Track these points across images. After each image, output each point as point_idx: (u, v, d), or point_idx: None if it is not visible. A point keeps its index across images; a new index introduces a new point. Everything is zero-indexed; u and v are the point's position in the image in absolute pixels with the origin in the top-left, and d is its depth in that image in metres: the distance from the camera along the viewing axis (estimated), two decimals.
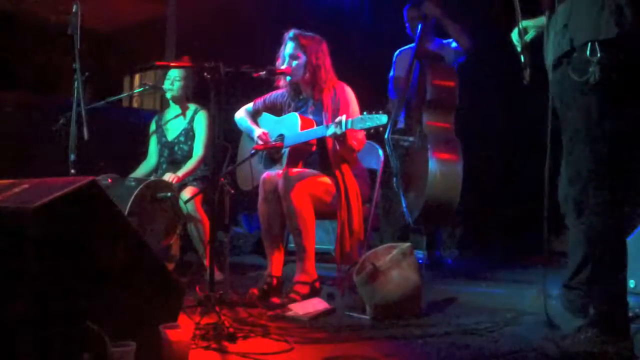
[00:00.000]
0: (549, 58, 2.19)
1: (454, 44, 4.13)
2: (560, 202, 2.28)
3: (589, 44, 1.98)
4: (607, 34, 1.98)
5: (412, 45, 4.25)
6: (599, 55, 1.96)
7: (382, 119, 2.75)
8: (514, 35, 2.36)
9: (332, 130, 2.90)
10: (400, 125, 4.04)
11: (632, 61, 2.00)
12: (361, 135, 3.09)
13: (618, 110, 2.03)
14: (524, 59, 2.27)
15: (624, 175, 2.06)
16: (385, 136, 3.83)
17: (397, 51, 4.41)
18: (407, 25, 4.28)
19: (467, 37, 4.02)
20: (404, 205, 3.91)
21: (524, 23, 2.32)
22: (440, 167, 3.69)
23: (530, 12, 2.36)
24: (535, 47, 2.34)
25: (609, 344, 1.99)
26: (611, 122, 2.02)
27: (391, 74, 4.38)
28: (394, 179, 3.99)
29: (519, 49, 2.33)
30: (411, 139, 3.93)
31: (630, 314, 2.43)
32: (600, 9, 1.99)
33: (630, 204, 3.95)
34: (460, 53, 4.11)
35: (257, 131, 3.30)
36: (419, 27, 4.03)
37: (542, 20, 2.34)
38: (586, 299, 2.25)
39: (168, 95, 3.83)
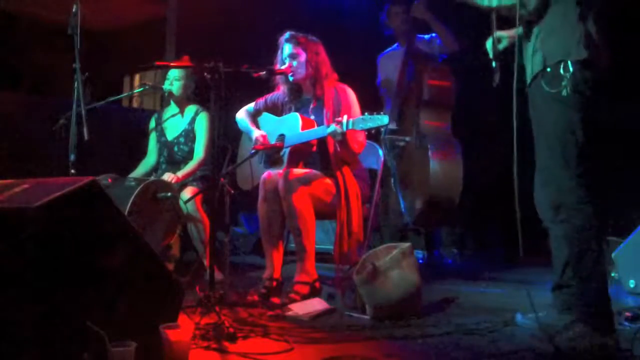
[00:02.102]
0: (526, 78, 2.39)
1: (437, 41, 4.15)
2: (537, 206, 2.38)
3: (562, 63, 2.22)
4: (578, 56, 2.21)
5: (394, 47, 4.33)
6: (571, 70, 2.20)
7: (383, 119, 2.76)
8: (488, 44, 2.57)
9: (332, 128, 2.90)
10: (393, 126, 4.03)
11: (599, 77, 2.24)
12: (362, 137, 3.09)
13: (587, 116, 2.23)
14: (495, 65, 2.51)
15: (597, 174, 2.23)
16: (381, 137, 3.84)
17: (379, 55, 4.42)
18: (382, 19, 4.29)
19: (454, 40, 4.03)
20: (402, 205, 3.91)
21: (498, 34, 2.54)
22: (442, 167, 3.70)
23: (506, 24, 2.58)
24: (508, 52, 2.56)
25: (595, 338, 2.09)
26: (581, 125, 2.22)
27: (378, 79, 4.38)
28: (392, 179, 4.00)
29: (491, 55, 2.55)
30: (407, 138, 3.93)
31: (630, 314, 2.46)
32: (572, 33, 2.24)
33: (629, 205, 3.97)
34: (444, 50, 4.12)
35: (256, 133, 3.30)
36: (407, 28, 4.05)
37: (514, 31, 2.56)
38: (573, 296, 2.28)
39: (167, 94, 3.83)
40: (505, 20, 2.45)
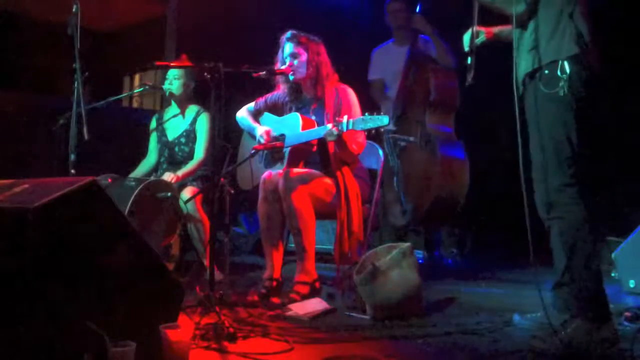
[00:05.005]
0: (519, 73, 2.37)
1: (432, 47, 4.13)
2: (536, 205, 2.38)
3: (560, 62, 2.23)
4: (569, 52, 2.23)
5: (389, 42, 4.33)
6: (568, 71, 2.21)
7: (383, 119, 2.75)
8: (466, 37, 2.56)
9: (327, 129, 2.89)
10: (390, 126, 4.02)
11: (594, 77, 2.26)
12: (361, 137, 3.09)
13: (582, 117, 2.24)
14: (471, 61, 2.48)
15: (590, 174, 2.26)
16: (384, 135, 3.83)
17: (373, 50, 4.41)
18: (386, 17, 4.29)
19: (451, 57, 4.00)
20: (403, 204, 3.91)
21: (477, 28, 2.55)
22: (450, 167, 3.72)
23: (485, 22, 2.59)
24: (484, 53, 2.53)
25: (593, 331, 2.13)
26: (576, 126, 2.23)
27: (370, 76, 4.37)
28: (394, 178, 3.99)
29: (466, 49, 2.53)
30: (411, 139, 3.93)
31: (630, 314, 2.46)
32: (562, 35, 2.26)
33: (629, 205, 3.97)
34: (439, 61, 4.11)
35: (260, 129, 3.29)
36: (410, 29, 4.05)
37: (497, 29, 2.60)
38: (570, 294, 2.29)
39: (167, 94, 3.83)
40: (500, 16, 2.41)
